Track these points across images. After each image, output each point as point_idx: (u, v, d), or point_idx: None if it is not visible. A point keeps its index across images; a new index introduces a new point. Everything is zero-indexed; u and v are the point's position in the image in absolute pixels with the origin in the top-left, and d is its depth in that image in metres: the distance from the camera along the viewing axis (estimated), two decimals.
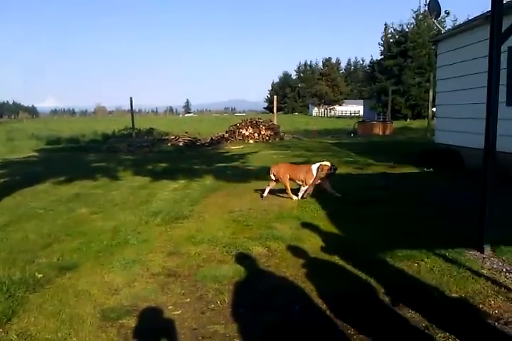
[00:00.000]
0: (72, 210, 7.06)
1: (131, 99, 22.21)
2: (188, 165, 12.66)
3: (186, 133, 22.80)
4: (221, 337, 3.09)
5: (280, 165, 7.71)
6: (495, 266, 4.16)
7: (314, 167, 7.12)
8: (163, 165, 12.81)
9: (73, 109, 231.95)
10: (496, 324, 3.10)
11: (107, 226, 6.00)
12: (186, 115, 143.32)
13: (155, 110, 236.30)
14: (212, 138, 21.24)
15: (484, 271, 4.03)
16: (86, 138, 24.92)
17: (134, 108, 22.24)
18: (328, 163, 7.16)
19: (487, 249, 4.51)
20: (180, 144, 20.14)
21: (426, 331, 3.04)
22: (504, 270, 4.06)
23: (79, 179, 10.03)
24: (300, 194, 7.24)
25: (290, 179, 7.39)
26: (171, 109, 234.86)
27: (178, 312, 3.48)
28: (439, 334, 2.98)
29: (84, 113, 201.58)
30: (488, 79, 4.50)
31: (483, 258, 4.38)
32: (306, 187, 7.15)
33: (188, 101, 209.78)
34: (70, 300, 3.72)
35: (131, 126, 23.11)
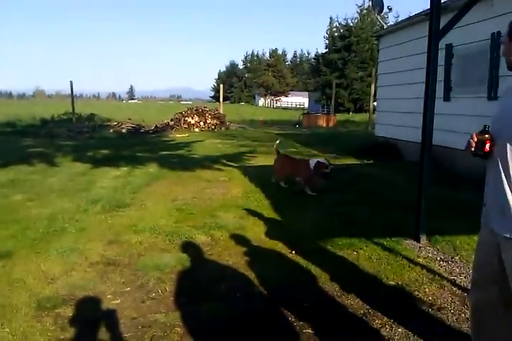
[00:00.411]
0: (7, 197, 6.75)
1: (71, 82, 21.31)
2: (131, 152, 12.36)
3: (130, 119, 22.24)
4: (162, 325, 3.04)
5: (280, 157, 7.77)
6: (430, 255, 4.34)
7: (312, 163, 7.03)
8: (105, 151, 12.44)
9: (10, 92, 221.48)
10: (430, 310, 3.23)
11: (43, 213, 5.77)
12: (130, 101, 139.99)
13: (97, 95, 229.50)
14: (157, 126, 20.84)
15: (420, 260, 4.19)
16: (23, 122, 23.79)
17: (75, 93, 21.36)
18: (325, 161, 7.11)
19: (423, 239, 4.69)
20: (123, 131, 19.63)
21: (364, 317, 3.13)
22: (438, 259, 4.24)
23: (14, 164, 9.59)
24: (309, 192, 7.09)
25: (286, 172, 7.46)
26: (113, 95, 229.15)
27: (118, 302, 3.40)
28: (377, 321, 3.07)
29: (21, 96, 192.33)
30: (426, 75, 4.65)
31: (419, 247, 4.56)
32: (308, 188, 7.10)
33: (132, 88, 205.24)
34: (3, 289, 3.56)
35: (71, 110, 22.23)
